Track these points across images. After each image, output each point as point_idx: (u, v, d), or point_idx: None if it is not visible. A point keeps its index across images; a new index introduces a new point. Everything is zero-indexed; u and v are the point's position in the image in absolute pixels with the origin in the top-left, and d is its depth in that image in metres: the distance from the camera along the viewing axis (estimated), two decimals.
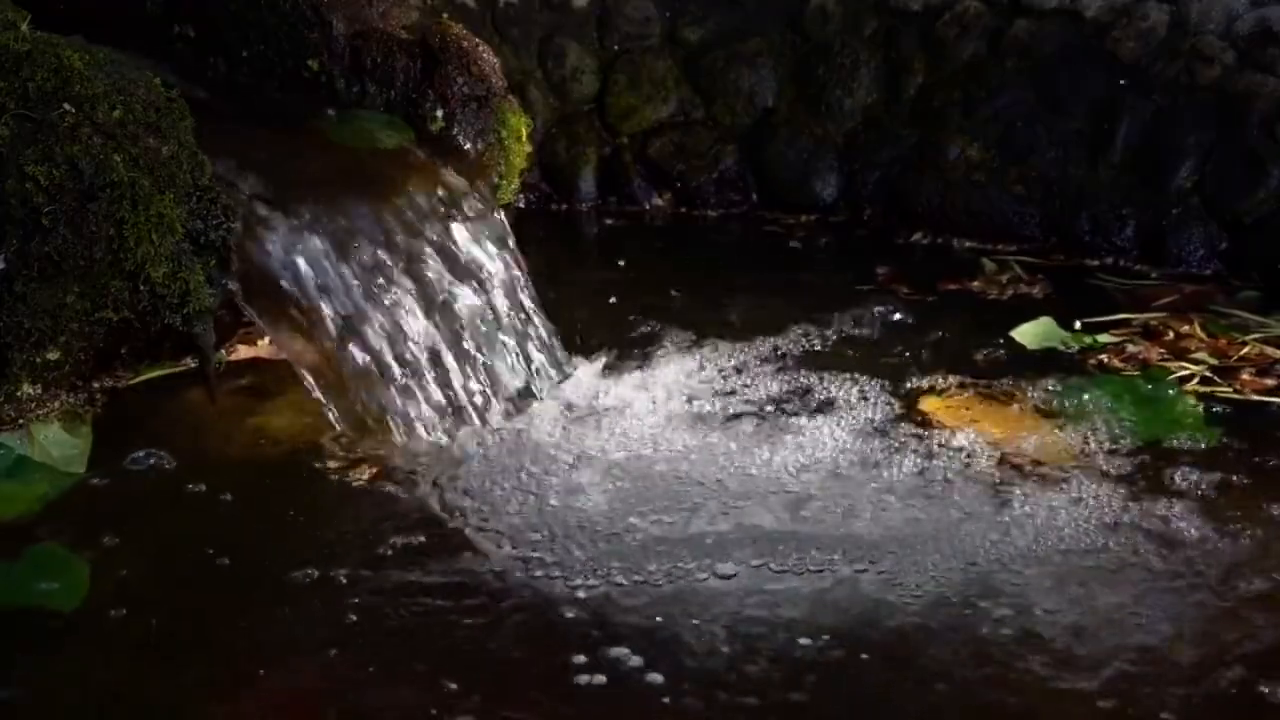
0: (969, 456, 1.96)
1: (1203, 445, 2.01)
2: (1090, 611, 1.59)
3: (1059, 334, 2.41)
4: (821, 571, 1.67)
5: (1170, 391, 2.18)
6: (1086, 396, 2.16)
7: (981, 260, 2.86)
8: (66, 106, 1.64)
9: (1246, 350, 2.35)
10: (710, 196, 3.24)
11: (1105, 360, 2.31)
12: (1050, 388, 2.18)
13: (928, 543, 1.73)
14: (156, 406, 2.01)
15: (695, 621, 1.55)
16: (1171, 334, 2.42)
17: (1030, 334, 2.41)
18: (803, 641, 1.52)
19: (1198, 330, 2.43)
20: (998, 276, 2.77)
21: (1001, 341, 2.40)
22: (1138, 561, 1.70)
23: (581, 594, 1.60)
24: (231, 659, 1.49)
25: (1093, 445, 2.00)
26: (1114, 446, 2.00)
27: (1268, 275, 2.72)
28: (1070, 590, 1.63)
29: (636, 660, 1.48)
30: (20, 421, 1.79)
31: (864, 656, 1.50)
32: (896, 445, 1.99)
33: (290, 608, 1.59)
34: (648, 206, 3.28)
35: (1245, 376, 2.25)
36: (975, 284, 2.75)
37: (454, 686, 1.43)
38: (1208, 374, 2.25)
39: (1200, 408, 2.13)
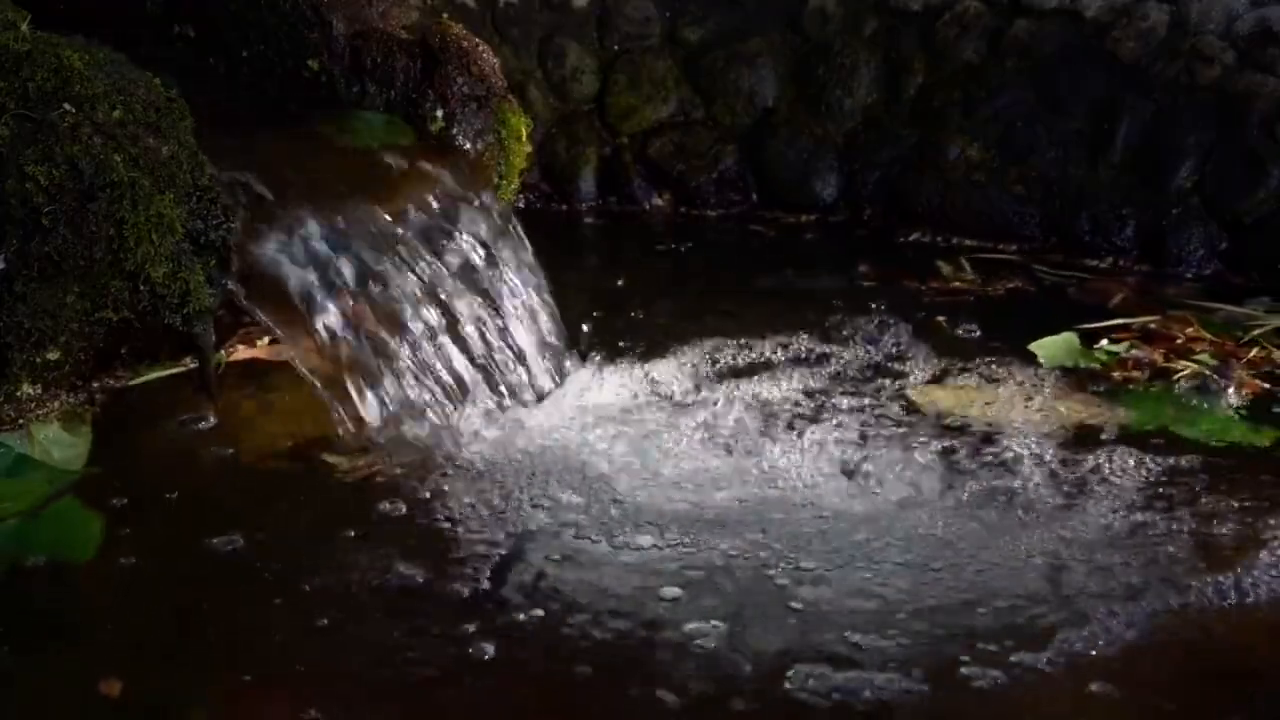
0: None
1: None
2: None
3: (1077, 350, 2.38)
4: None
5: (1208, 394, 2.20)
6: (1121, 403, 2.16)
7: (937, 263, 2.85)
8: (66, 106, 1.64)
9: (1256, 352, 2.34)
10: (710, 196, 3.24)
11: (1116, 373, 2.30)
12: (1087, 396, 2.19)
13: None
14: (156, 406, 2.01)
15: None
16: (1181, 337, 2.41)
17: (1048, 348, 2.37)
18: None
19: (1201, 331, 2.42)
20: (958, 275, 2.77)
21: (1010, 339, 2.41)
22: None
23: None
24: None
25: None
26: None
27: (1267, 275, 2.73)
28: None
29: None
30: (20, 421, 1.79)
31: None
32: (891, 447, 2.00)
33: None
34: (648, 206, 3.28)
35: (1245, 375, 2.25)
36: (957, 283, 2.75)
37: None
38: (1207, 373, 2.25)
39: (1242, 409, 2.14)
